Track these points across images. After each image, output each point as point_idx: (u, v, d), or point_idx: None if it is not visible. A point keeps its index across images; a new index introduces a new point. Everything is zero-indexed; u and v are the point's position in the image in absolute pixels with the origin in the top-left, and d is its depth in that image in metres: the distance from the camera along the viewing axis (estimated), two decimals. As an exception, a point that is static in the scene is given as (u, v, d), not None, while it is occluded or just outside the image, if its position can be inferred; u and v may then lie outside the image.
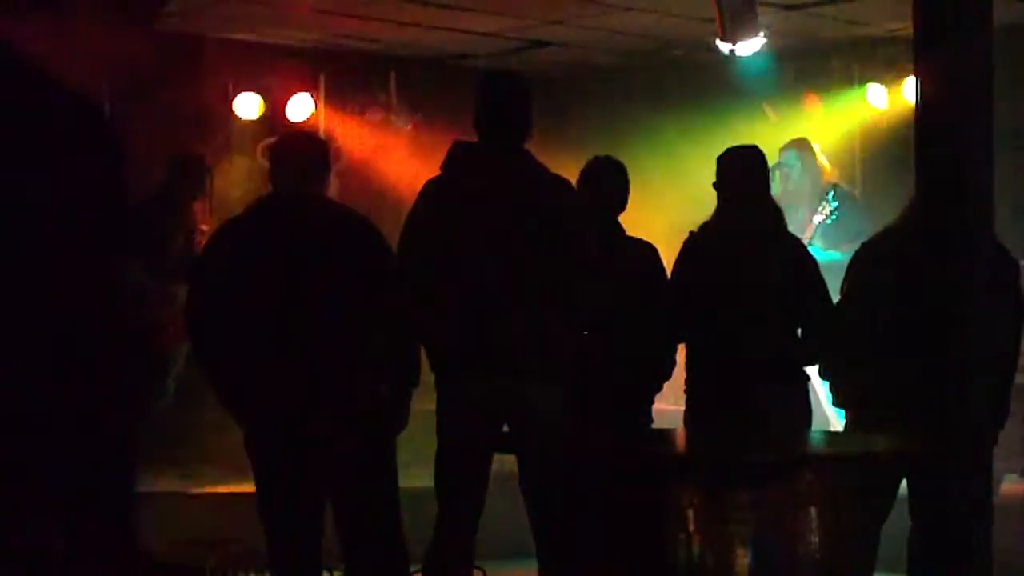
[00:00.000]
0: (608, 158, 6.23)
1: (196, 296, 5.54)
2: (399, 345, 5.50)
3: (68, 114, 2.32)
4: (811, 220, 8.95)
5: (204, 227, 8.59)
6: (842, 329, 5.88)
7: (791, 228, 6.31)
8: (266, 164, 9.98)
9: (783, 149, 9.23)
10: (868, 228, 6.67)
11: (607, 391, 5.92)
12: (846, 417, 6.04)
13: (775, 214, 6.10)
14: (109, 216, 2.38)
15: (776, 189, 7.28)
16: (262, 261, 5.41)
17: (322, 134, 9.39)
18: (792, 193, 9.13)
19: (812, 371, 6.17)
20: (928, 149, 5.38)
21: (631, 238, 6.17)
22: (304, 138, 6.05)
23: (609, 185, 6.15)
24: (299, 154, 5.66)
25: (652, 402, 6.17)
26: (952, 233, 5.35)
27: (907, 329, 5.57)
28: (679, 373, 6.18)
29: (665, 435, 5.89)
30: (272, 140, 9.62)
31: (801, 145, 9.28)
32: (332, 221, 5.52)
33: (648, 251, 6.17)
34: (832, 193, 8.96)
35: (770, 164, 6.42)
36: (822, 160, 9.34)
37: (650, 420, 6.13)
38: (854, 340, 5.87)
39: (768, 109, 10.11)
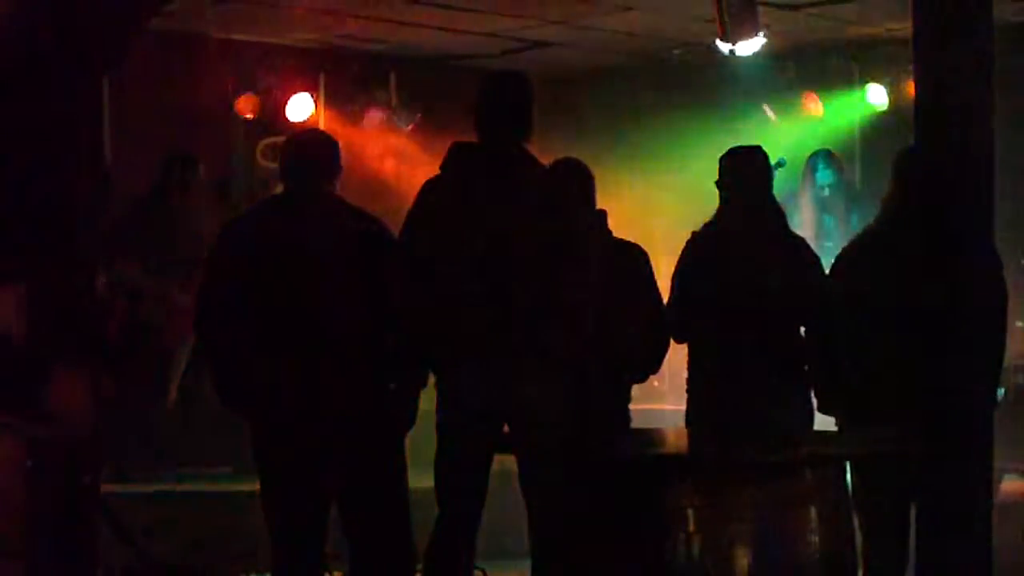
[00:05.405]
0: (569, 159, 6.15)
1: (205, 293, 5.54)
2: (407, 344, 5.49)
3: None
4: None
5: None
6: (832, 330, 5.89)
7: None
8: (266, 164, 10.04)
9: (823, 165, 9.08)
10: None
11: (591, 390, 5.88)
12: (836, 420, 6.03)
13: (776, 214, 6.09)
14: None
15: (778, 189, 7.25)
16: (271, 259, 5.41)
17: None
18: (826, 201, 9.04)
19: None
20: (928, 149, 5.39)
21: (618, 240, 6.14)
22: (315, 136, 6.04)
23: (579, 185, 6.07)
24: (310, 152, 5.66)
25: (629, 401, 6.13)
26: (952, 232, 5.36)
27: (897, 329, 5.59)
28: (681, 372, 6.17)
29: (666, 435, 5.89)
30: (276, 139, 9.66)
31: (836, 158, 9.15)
32: (342, 221, 5.52)
33: (636, 252, 6.13)
34: None
35: (771, 163, 6.40)
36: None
37: (628, 419, 6.10)
38: (842, 341, 5.87)
39: (767, 110, 10.10)
